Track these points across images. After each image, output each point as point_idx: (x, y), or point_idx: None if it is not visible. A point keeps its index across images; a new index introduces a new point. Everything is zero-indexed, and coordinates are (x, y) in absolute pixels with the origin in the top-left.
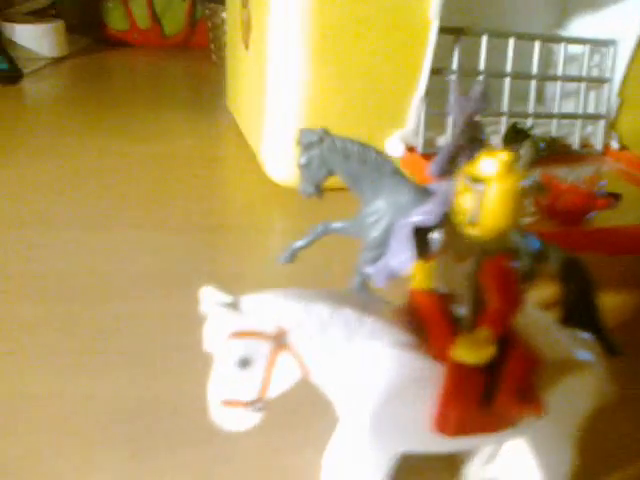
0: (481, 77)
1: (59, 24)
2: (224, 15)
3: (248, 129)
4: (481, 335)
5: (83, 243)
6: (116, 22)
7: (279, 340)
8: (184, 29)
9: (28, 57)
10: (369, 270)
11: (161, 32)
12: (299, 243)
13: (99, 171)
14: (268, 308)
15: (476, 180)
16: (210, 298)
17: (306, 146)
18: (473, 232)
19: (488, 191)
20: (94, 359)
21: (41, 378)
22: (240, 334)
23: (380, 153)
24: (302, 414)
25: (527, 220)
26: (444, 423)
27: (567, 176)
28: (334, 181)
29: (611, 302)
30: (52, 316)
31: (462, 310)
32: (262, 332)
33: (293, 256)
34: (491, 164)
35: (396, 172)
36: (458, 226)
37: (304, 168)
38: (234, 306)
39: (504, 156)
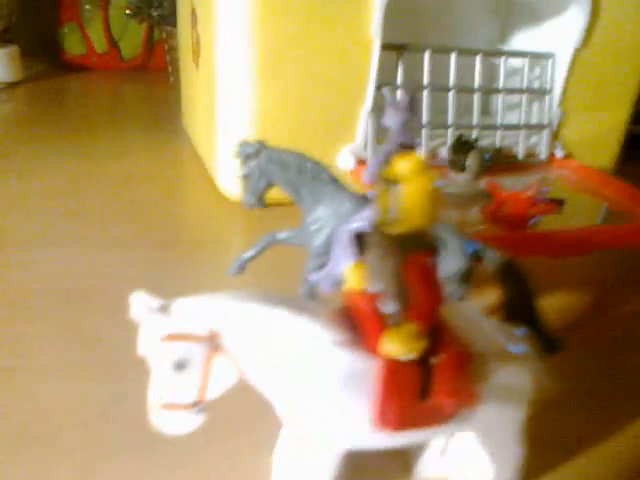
0: (425, 91)
1: (14, 49)
2: (177, 35)
3: (202, 147)
4: (409, 329)
5: (38, 260)
6: (73, 46)
7: (213, 342)
8: (141, 52)
9: None
10: (314, 278)
11: (119, 56)
12: (247, 254)
13: (55, 191)
14: (200, 310)
15: (393, 181)
16: (140, 303)
17: (244, 158)
18: (393, 230)
19: (402, 190)
20: (51, 373)
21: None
22: (173, 337)
23: (317, 162)
24: (252, 417)
25: (475, 227)
26: (384, 417)
27: (513, 185)
28: (283, 196)
29: (556, 302)
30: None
31: (393, 306)
32: (195, 335)
33: (242, 267)
34: (404, 165)
35: (334, 181)
36: (384, 226)
37: (244, 180)
38: (164, 310)
39: (416, 157)
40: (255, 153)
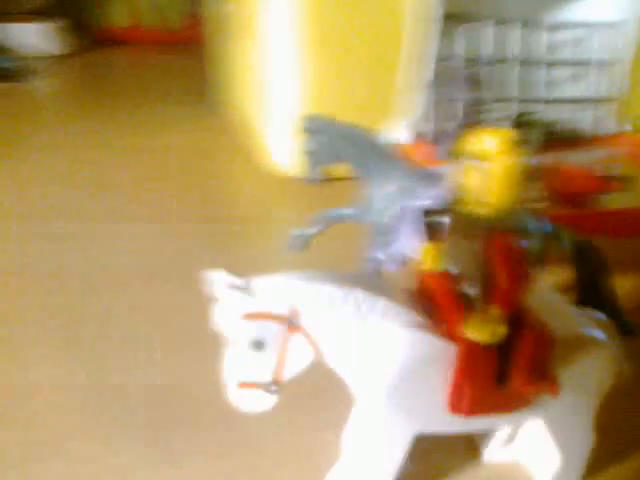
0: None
1: (61, 22)
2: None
3: (246, 122)
4: (491, 314)
5: (86, 235)
6: (118, 19)
7: (291, 322)
8: (186, 25)
9: (30, 56)
10: (381, 255)
11: (163, 28)
12: (311, 230)
13: (99, 165)
14: (279, 290)
15: (480, 158)
16: (220, 281)
17: (313, 132)
18: (479, 211)
19: (491, 168)
20: (102, 349)
21: (46, 369)
22: (252, 316)
23: (386, 140)
24: (321, 396)
25: (539, 204)
26: (458, 402)
27: (579, 160)
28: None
29: (625, 284)
30: (54, 308)
31: (472, 290)
32: (274, 314)
33: (305, 244)
34: (493, 142)
35: (402, 159)
36: (465, 205)
37: (311, 155)
38: (245, 288)
39: (506, 134)
40: (326, 128)
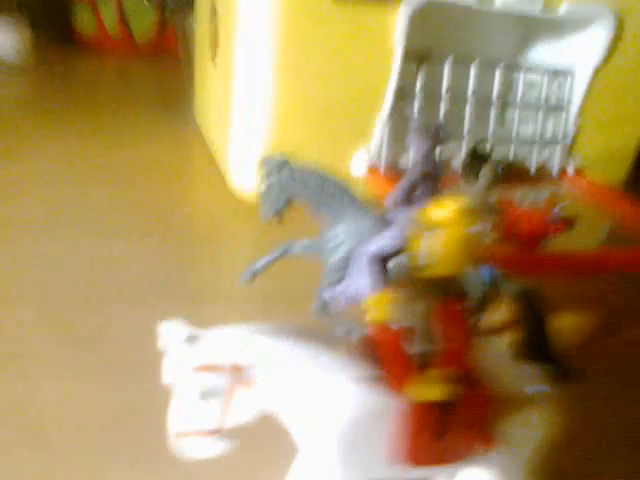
0: (442, 101)
1: (25, 29)
2: (192, 25)
3: (214, 142)
4: (438, 374)
5: (40, 252)
6: (85, 27)
7: (238, 375)
8: (153, 36)
9: None
10: (328, 295)
11: (130, 38)
12: (261, 263)
13: (61, 177)
14: (227, 344)
15: (428, 226)
16: (171, 332)
17: (266, 173)
18: (425, 275)
19: (438, 237)
20: (65, 370)
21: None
22: (202, 368)
23: (339, 182)
24: (268, 434)
25: (486, 240)
26: (400, 454)
27: (524, 199)
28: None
29: (569, 324)
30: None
31: (418, 347)
32: (222, 366)
33: (255, 275)
34: (440, 212)
35: (355, 201)
36: (412, 269)
37: (264, 195)
38: (194, 340)
39: (454, 205)
40: (277, 169)
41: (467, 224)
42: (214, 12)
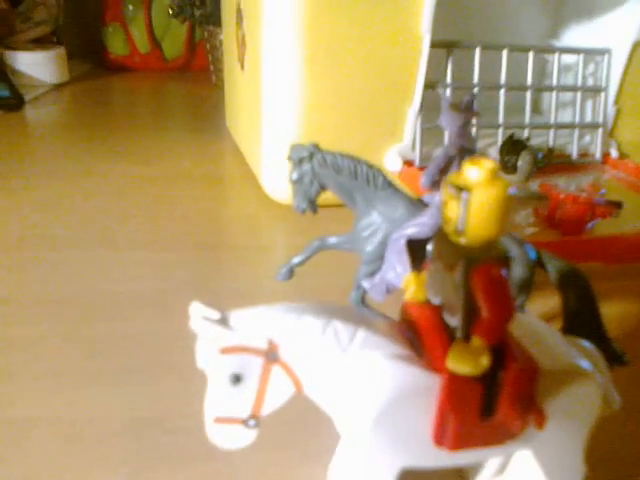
0: (475, 89)
1: (60, 51)
2: (222, 37)
3: (246, 148)
4: (474, 345)
5: (86, 262)
6: (116, 47)
7: (270, 355)
8: (184, 52)
9: (30, 84)
10: (366, 285)
11: (161, 56)
12: (296, 259)
13: (101, 193)
14: (258, 322)
15: (461, 188)
16: (199, 314)
17: (297, 162)
18: (461, 241)
19: (472, 199)
20: (93, 379)
21: (38, 401)
22: (230, 350)
23: (371, 166)
24: (306, 429)
25: (528, 231)
26: (443, 436)
27: (567, 185)
28: (331, 198)
29: (615, 311)
30: (53, 335)
31: (455, 320)
32: (253, 347)
33: (291, 272)
34: (475, 172)
35: (389, 185)
36: (447, 235)
37: (296, 184)
38: (223, 322)
39: (488, 164)
40: (308, 157)
41: (501, 184)
42: (240, 17)
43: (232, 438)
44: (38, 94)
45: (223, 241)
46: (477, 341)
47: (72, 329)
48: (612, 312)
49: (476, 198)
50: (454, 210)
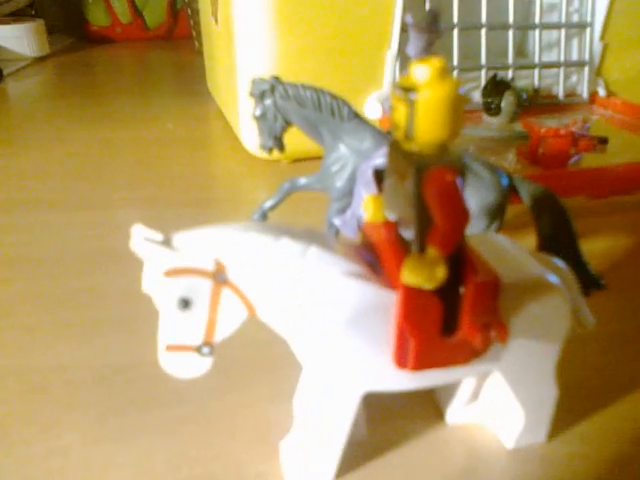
0: (455, 30)
1: (39, 24)
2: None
3: (226, 107)
4: (429, 256)
5: (65, 224)
6: (97, 19)
7: (218, 277)
8: (166, 20)
9: (9, 58)
10: (337, 222)
11: (143, 25)
12: (268, 203)
13: (83, 157)
14: (203, 243)
15: (408, 89)
16: (141, 236)
17: (259, 96)
18: (412, 147)
19: (420, 99)
20: (65, 331)
21: (10, 352)
22: (175, 272)
23: (335, 97)
24: (276, 369)
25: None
26: (404, 357)
27: (554, 124)
28: (311, 149)
29: (601, 246)
30: (27, 293)
31: (410, 233)
32: (199, 269)
33: (264, 216)
34: (422, 71)
35: (354, 116)
36: (397, 142)
37: (260, 120)
38: (167, 243)
39: (436, 62)
40: (270, 90)
41: (450, 83)
42: None
43: (186, 367)
44: (19, 67)
45: (204, 197)
46: (432, 252)
47: (47, 286)
48: (598, 246)
49: (424, 98)
50: (403, 114)
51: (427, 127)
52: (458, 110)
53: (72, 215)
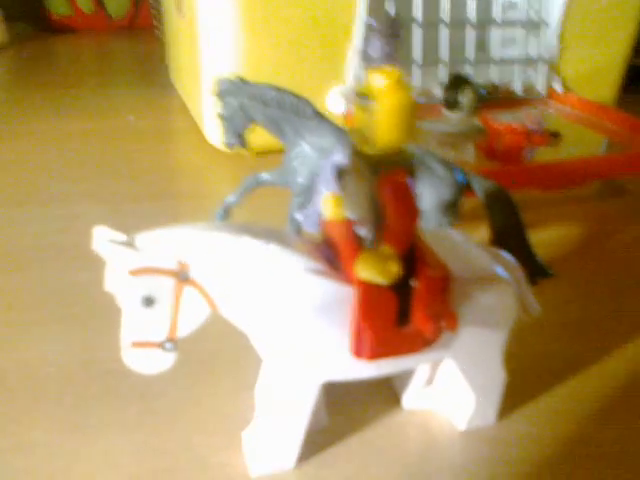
0: (416, 26)
1: None
2: None
3: (189, 99)
4: (383, 253)
5: (33, 217)
6: (58, 7)
7: (181, 275)
8: (129, 9)
9: None
10: (299, 217)
11: (105, 15)
12: (231, 199)
13: (43, 150)
14: (166, 243)
15: (366, 96)
16: (103, 237)
17: (222, 95)
18: (369, 150)
19: (378, 106)
20: (32, 327)
21: None
22: (138, 271)
23: (298, 96)
24: (239, 361)
25: (470, 164)
26: (360, 346)
27: (510, 120)
28: (275, 143)
29: (555, 235)
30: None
31: (369, 232)
32: (162, 268)
33: (227, 212)
34: (379, 80)
35: (316, 114)
36: (356, 146)
37: (224, 119)
38: (129, 243)
39: (392, 71)
40: (234, 89)
41: (405, 91)
42: None
43: (150, 362)
44: None
45: (166, 190)
46: (385, 249)
47: (5, 282)
48: (552, 236)
49: (381, 106)
50: (361, 120)
51: (384, 132)
52: (412, 116)
53: (30, 209)
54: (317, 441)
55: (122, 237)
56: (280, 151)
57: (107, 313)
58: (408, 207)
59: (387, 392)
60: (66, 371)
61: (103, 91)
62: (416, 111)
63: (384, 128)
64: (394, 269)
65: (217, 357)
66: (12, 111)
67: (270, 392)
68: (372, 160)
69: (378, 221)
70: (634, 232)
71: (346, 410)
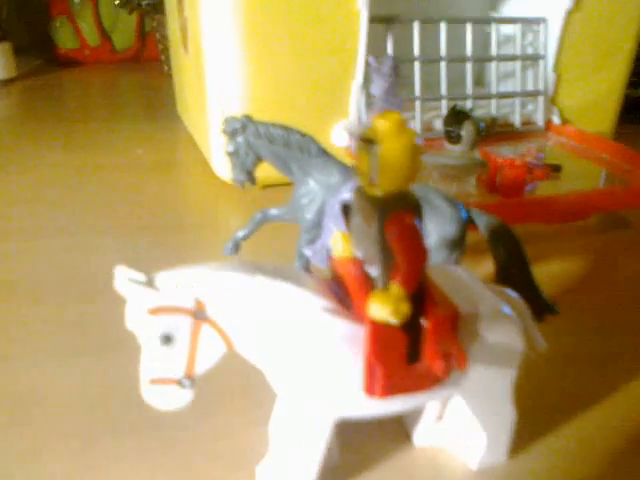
0: (417, 63)
1: (5, 46)
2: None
3: (196, 133)
4: (393, 292)
5: (48, 249)
6: (65, 41)
7: (198, 314)
8: (135, 43)
9: None
10: (308, 252)
11: (112, 48)
12: (240, 233)
13: (53, 184)
14: (183, 282)
15: (370, 141)
16: (124, 277)
17: (231, 134)
18: (375, 192)
19: (381, 150)
20: (48, 357)
21: None
22: (157, 310)
23: (304, 135)
24: (252, 395)
25: (472, 197)
26: (372, 384)
27: (510, 153)
28: (280, 177)
29: (555, 269)
30: (8, 319)
31: (375, 271)
32: (180, 307)
33: (236, 246)
34: (382, 124)
35: (322, 152)
36: (362, 188)
37: (232, 156)
38: (149, 283)
39: (395, 116)
40: (241, 128)
41: (408, 135)
42: (182, 2)
43: (168, 399)
44: None
45: (176, 223)
46: (395, 288)
47: (22, 314)
48: (554, 270)
49: (385, 149)
50: (366, 162)
51: (388, 175)
52: (415, 158)
53: (44, 241)
54: (329, 478)
55: (142, 277)
56: (286, 184)
57: (124, 345)
58: (417, 248)
59: (398, 430)
60: (81, 403)
61: (111, 124)
62: (419, 154)
63: (388, 172)
64: (404, 309)
65: (231, 392)
66: (23, 143)
67: (284, 427)
68: (378, 203)
69: (387, 261)
70: (636, 264)
71: (358, 448)
